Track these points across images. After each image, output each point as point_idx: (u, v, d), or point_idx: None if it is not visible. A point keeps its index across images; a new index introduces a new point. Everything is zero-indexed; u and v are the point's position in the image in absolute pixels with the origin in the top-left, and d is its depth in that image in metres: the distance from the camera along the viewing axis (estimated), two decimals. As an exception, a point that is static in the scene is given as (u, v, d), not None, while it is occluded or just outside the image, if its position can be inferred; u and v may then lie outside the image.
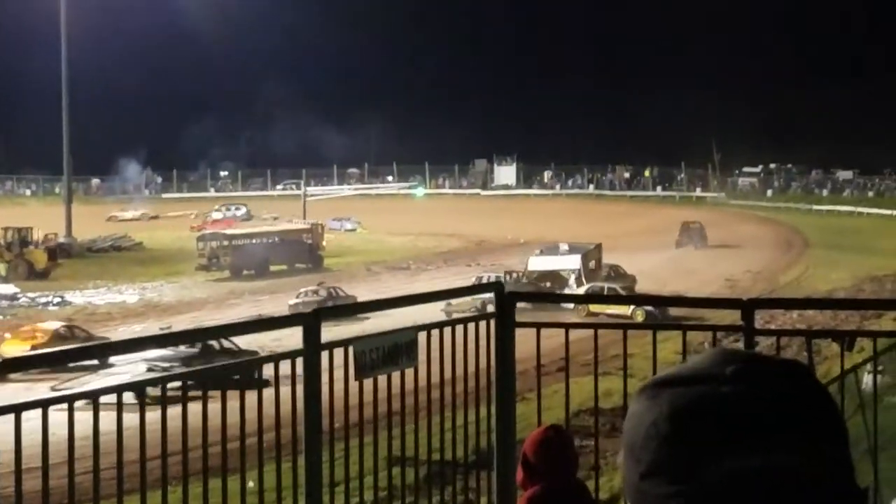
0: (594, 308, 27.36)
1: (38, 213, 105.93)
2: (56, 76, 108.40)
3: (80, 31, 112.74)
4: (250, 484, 7.11)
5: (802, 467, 1.48)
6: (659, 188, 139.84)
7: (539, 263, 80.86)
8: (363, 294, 56.09)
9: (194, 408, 6.42)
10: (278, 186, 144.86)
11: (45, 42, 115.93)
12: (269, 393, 6.77)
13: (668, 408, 1.53)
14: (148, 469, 6.22)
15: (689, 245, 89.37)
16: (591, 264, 79.71)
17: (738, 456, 1.48)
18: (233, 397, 6.54)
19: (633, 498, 1.57)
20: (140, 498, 6.12)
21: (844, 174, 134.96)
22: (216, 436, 6.52)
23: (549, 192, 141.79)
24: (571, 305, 40.33)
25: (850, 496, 1.53)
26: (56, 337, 53.69)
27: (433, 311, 7.72)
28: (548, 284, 71.02)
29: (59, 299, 65.50)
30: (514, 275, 67.19)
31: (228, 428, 6.52)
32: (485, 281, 60.15)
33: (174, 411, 6.26)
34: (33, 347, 48.09)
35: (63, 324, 58.62)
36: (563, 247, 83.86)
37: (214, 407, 6.45)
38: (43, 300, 65.10)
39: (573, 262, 79.56)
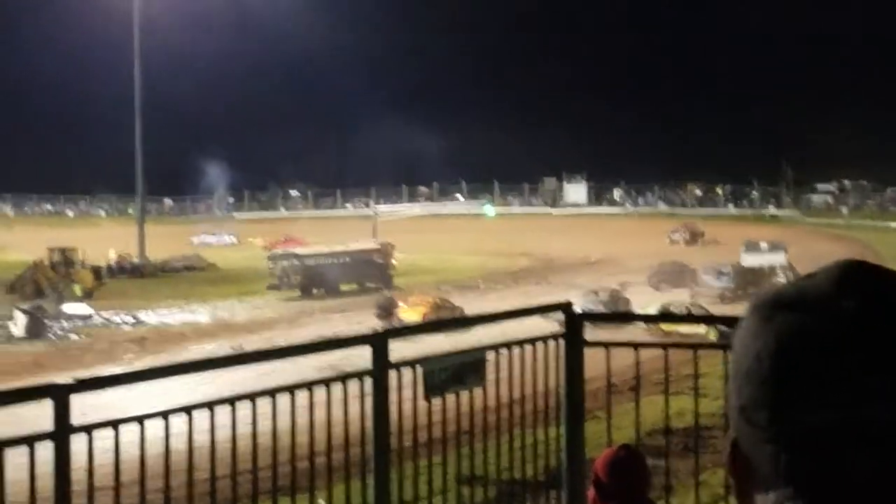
0: (666, 327, 27.24)
1: (111, 233, 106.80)
2: (129, 97, 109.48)
3: (153, 55, 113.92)
4: (320, 502, 7.14)
5: None
6: (731, 205, 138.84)
7: (751, 260, 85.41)
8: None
9: (263, 427, 6.43)
10: (348, 205, 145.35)
11: (118, 64, 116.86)
12: (338, 412, 6.79)
13: (775, 342, 1.45)
14: (218, 488, 6.26)
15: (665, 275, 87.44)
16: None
17: (841, 406, 1.41)
18: (301, 415, 6.57)
19: (732, 421, 1.52)
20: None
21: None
22: (285, 454, 6.56)
23: (620, 210, 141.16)
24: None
25: None
26: (434, 307, 66.39)
27: (502, 330, 7.67)
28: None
29: (132, 319, 65.90)
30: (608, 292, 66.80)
31: (298, 447, 6.56)
32: (600, 297, 67.74)
33: (244, 430, 6.30)
34: (424, 316, 62.31)
35: (438, 297, 70.66)
36: (763, 245, 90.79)
37: (284, 426, 6.49)
38: (116, 320, 65.51)
39: (780, 258, 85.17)
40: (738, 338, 1.53)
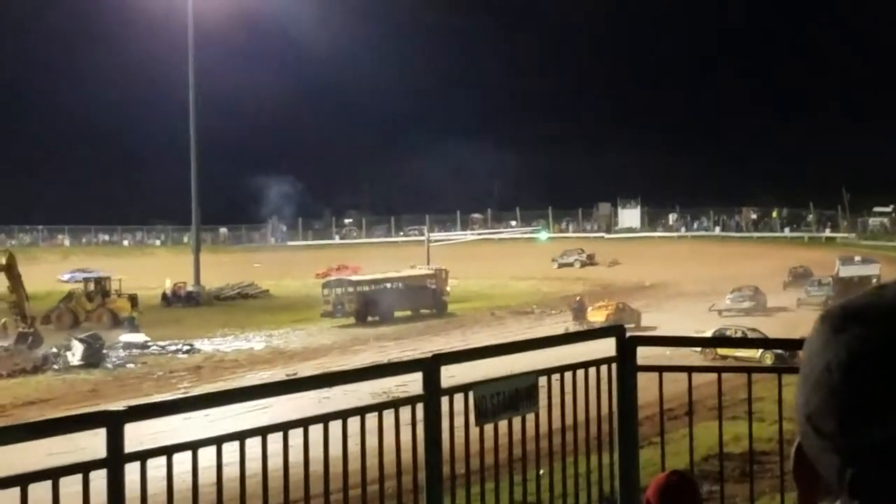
0: (722, 351, 27.15)
1: (167, 263, 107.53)
2: (185, 129, 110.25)
3: (208, 89, 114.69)
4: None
5: None
6: (787, 229, 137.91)
7: (848, 271, 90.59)
8: (486, 339, 56.18)
9: (316, 454, 6.43)
10: (401, 233, 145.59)
11: (173, 98, 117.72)
12: (389, 439, 6.79)
13: (847, 355, 1.48)
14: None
15: (795, 287, 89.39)
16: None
17: None
18: (354, 441, 6.57)
19: (801, 434, 1.55)
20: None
21: None
22: (338, 482, 6.56)
23: (674, 234, 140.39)
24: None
25: None
26: (617, 309, 74.49)
27: (557, 355, 7.66)
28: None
29: (188, 347, 66.12)
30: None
31: (350, 475, 6.56)
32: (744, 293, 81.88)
33: (297, 457, 6.31)
34: (607, 317, 70.56)
35: (620, 301, 78.15)
36: (857, 258, 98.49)
37: (337, 452, 6.49)
38: (172, 348, 65.76)
39: (874, 269, 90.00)
40: (807, 348, 1.55)
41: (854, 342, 1.48)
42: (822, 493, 1.54)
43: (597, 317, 72.70)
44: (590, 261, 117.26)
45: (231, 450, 6.03)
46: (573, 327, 65.65)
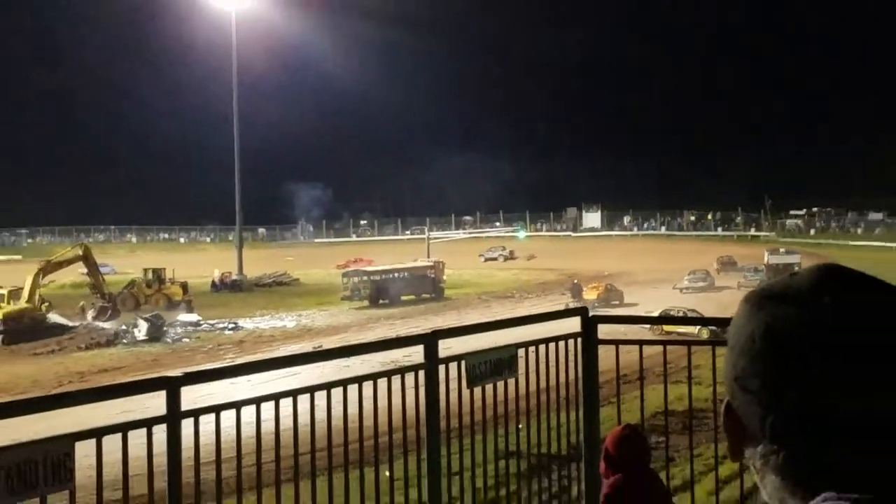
0: (667, 328, 27.16)
1: (215, 256, 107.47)
2: (230, 145, 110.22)
3: (250, 106, 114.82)
4: (385, 473, 7.14)
5: (888, 383, 1.46)
6: (720, 229, 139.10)
7: (775, 260, 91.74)
8: (476, 318, 56.27)
9: (336, 412, 6.44)
10: (407, 232, 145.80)
11: (220, 114, 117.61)
12: (398, 400, 6.82)
13: (766, 327, 1.53)
14: (301, 462, 6.27)
15: (724, 273, 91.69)
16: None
17: (814, 378, 1.47)
18: (368, 402, 6.60)
19: (729, 393, 1.59)
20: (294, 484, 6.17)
21: (875, 215, 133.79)
22: (355, 435, 6.57)
23: (629, 233, 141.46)
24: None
25: None
26: (606, 289, 76.66)
27: (532, 331, 7.69)
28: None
29: (233, 325, 66.26)
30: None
31: (365, 429, 6.57)
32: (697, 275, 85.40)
33: (321, 415, 6.33)
34: (598, 296, 73.74)
35: (609, 283, 79.63)
36: (782, 250, 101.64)
37: (353, 411, 6.51)
38: (220, 326, 65.90)
39: (796, 258, 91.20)
40: (734, 323, 1.59)
41: (771, 317, 1.53)
42: (747, 440, 1.57)
43: (590, 295, 74.44)
44: (511, 256, 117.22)
45: (267, 408, 6.03)
46: (572, 304, 65.84)
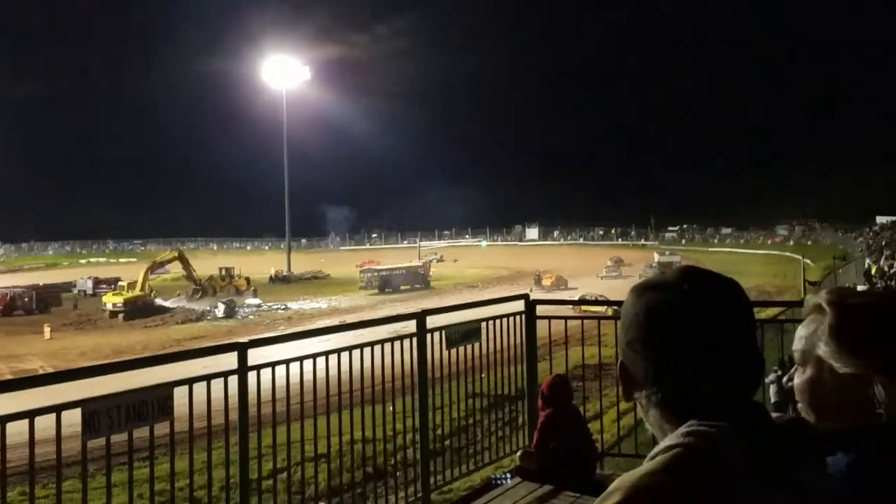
0: (584, 308, 27.23)
1: (271, 259, 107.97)
2: (282, 179, 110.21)
3: (295, 152, 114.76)
4: (390, 408, 7.12)
5: (731, 344, 1.53)
6: (619, 239, 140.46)
7: (662, 260, 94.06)
8: (453, 301, 56.53)
9: (355, 367, 6.46)
10: (405, 242, 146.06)
11: (273, 145, 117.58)
12: (398, 358, 6.81)
13: (645, 307, 1.57)
14: (332, 402, 6.24)
15: (615, 270, 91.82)
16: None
17: (679, 342, 1.52)
18: (378, 360, 6.62)
19: (622, 354, 1.62)
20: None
21: (726, 230, 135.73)
22: (367, 382, 6.55)
23: (557, 242, 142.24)
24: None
25: (754, 366, 1.56)
26: (557, 278, 78.53)
27: (492, 310, 7.75)
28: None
29: (283, 306, 66.39)
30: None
31: (376, 379, 6.56)
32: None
33: (344, 368, 6.34)
34: (552, 283, 76.76)
35: (559, 275, 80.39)
36: (667, 252, 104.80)
37: (367, 366, 6.53)
38: (275, 307, 66.03)
39: (677, 258, 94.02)
40: (625, 305, 1.63)
41: (649, 300, 1.58)
42: (635, 386, 1.60)
43: (547, 282, 77.49)
44: (441, 259, 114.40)
45: (307, 364, 6.02)
46: (535, 288, 69.51)
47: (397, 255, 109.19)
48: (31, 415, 4.20)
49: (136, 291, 66.01)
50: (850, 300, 1.87)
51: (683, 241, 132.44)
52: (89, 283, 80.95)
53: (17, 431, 4.14)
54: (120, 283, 71.13)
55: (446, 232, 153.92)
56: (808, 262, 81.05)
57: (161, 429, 4.85)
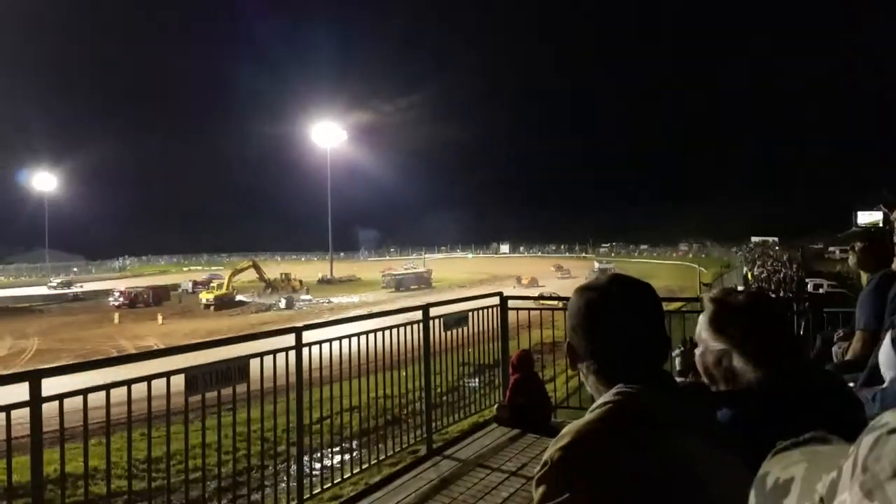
0: (542, 301, 27.22)
1: (319, 267, 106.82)
2: (326, 208, 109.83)
3: (337, 189, 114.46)
4: (402, 373, 7.08)
5: (646, 329, 1.52)
6: (567, 252, 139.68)
7: (600, 266, 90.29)
8: (448, 296, 56.22)
9: (379, 344, 6.43)
10: (414, 254, 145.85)
11: (320, 194, 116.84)
12: (408, 338, 6.78)
13: (584, 302, 1.57)
14: (362, 371, 6.20)
15: (560, 273, 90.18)
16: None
17: (607, 325, 1.53)
18: (395, 340, 6.58)
19: (568, 335, 1.61)
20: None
21: (644, 246, 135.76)
22: (388, 356, 6.51)
23: (522, 255, 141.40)
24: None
25: (662, 342, 1.55)
26: (531, 279, 76.50)
27: (476, 303, 7.71)
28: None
29: (328, 301, 65.99)
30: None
31: (392, 352, 6.51)
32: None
33: (371, 346, 6.30)
34: (528, 282, 73.62)
35: (532, 276, 78.80)
36: (604, 262, 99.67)
37: (388, 344, 6.49)
38: (322, 301, 65.61)
39: (611, 266, 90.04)
40: (571, 300, 1.63)
41: (587, 297, 1.58)
42: (578, 359, 1.59)
43: (525, 281, 75.45)
44: (414, 267, 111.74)
45: (345, 342, 6.00)
46: (517, 286, 69.58)
47: (407, 264, 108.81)
48: (148, 379, 4.20)
49: (223, 290, 65.80)
50: (726, 298, 1.91)
51: (613, 254, 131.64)
52: (190, 285, 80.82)
53: (137, 389, 4.15)
54: (211, 284, 71.43)
55: (443, 247, 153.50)
56: (703, 269, 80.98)
57: (240, 388, 4.85)
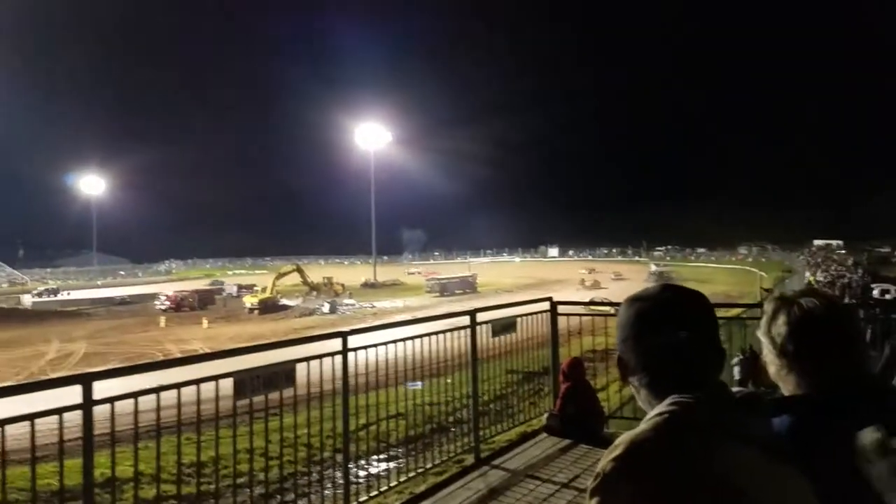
0: (594, 308, 26.93)
1: (362, 271, 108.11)
2: (369, 213, 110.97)
3: (380, 193, 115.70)
4: (448, 381, 7.08)
5: (699, 340, 1.52)
6: (620, 256, 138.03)
7: (656, 269, 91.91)
8: (494, 301, 56.31)
9: (424, 349, 6.44)
10: (458, 258, 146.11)
11: (365, 197, 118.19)
12: (457, 343, 6.79)
13: (634, 313, 1.56)
14: (407, 369, 6.23)
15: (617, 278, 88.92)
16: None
17: (662, 335, 1.51)
18: (442, 345, 6.59)
19: (618, 349, 1.60)
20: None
21: (700, 250, 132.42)
22: (435, 359, 6.54)
23: (571, 259, 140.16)
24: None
25: (717, 353, 1.54)
26: (595, 281, 78.59)
27: (523, 308, 7.69)
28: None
29: (371, 305, 66.59)
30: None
31: (435, 358, 6.52)
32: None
33: (416, 350, 6.32)
34: (592, 285, 74.35)
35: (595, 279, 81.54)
36: (660, 265, 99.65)
37: (430, 351, 6.51)
38: (365, 306, 66.27)
39: (665, 268, 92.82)
40: (620, 312, 1.60)
41: (637, 309, 1.57)
42: (630, 373, 1.58)
43: (588, 283, 76.83)
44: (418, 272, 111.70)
45: (391, 347, 6.03)
46: (580, 288, 71.52)
47: (452, 269, 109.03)
48: (197, 382, 4.30)
49: (267, 294, 67.02)
50: (789, 301, 1.88)
51: (668, 258, 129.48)
52: (234, 289, 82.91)
53: (186, 393, 4.25)
54: (255, 289, 73.02)
55: (489, 251, 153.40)
56: (763, 273, 78.92)
57: (286, 393, 4.92)
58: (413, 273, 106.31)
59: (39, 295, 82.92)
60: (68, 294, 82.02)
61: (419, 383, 5.37)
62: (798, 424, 1.65)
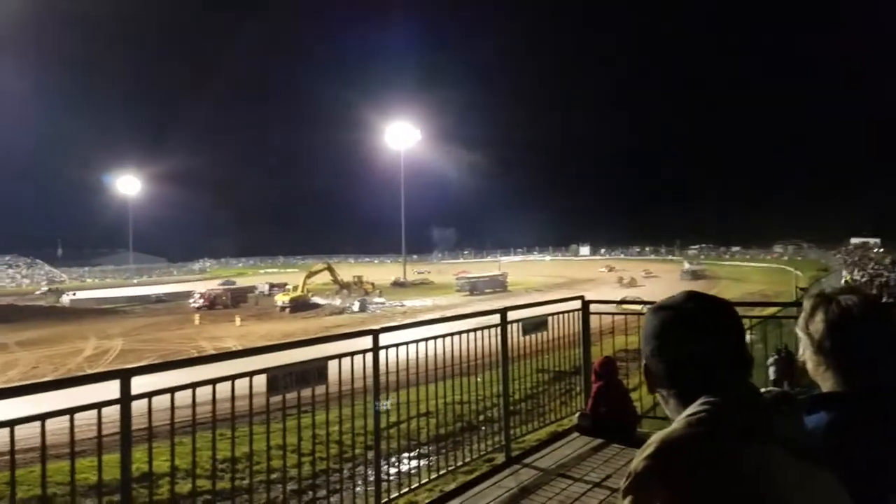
0: (625, 306, 26.76)
1: (392, 270, 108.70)
2: (399, 212, 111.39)
3: (410, 191, 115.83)
4: (478, 379, 7.08)
5: (726, 349, 1.51)
6: (653, 255, 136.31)
7: (689, 267, 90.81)
8: (524, 300, 56.11)
9: (447, 348, 6.45)
10: (488, 257, 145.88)
11: (395, 196, 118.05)
12: (487, 342, 6.79)
13: (659, 322, 1.55)
14: (429, 368, 6.24)
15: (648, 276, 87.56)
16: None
17: (686, 347, 1.51)
18: (469, 343, 6.59)
19: (644, 358, 1.58)
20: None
21: (735, 248, 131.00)
22: (459, 358, 6.53)
23: (603, 257, 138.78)
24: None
25: (744, 361, 1.53)
26: (632, 279, 77.89)
27: (555, 307, 7.64)
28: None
29: (401, 304, 66.81)
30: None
31: (458, 357, 6.52)
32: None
33: (442, 349, 6.33)
34: (631, 282, 75.97)
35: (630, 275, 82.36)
36: (692, 264, 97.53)
37: (455, 348, 6.51)
38: (395, 304, 66.53)
39: (700, 268, 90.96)
40: (645, 321, 1.60)
41: (661, 317, 1.56)
42: (657, 383, 1.58)
43: (626, 281, 77.00)
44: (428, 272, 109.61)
45: (421, 345, 6.05)
46: (620, 285, 71.64)
47: (482, 268, 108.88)
48: (232, 378, 4.37)
49: (299, 292, 67.63)
50: (827, 298, 1.87)
51: (702, 256, 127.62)
52: (266, 287, 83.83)
53: (220, 389, 4.32)
54: (287, 287, 73.87)
55: (519, 249, 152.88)
56: (798, 272, 77.39)
57: (318, 390, 4.97)
58: (421, 273, 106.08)
59: (44, 295, 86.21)
60: (73, 294, 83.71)
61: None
62: (835, 421, 1.65)
